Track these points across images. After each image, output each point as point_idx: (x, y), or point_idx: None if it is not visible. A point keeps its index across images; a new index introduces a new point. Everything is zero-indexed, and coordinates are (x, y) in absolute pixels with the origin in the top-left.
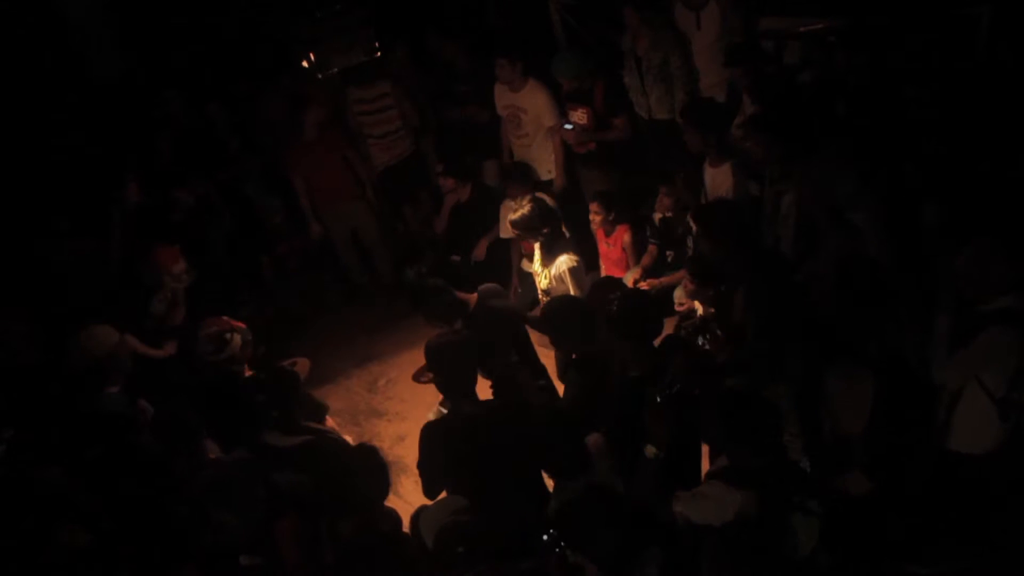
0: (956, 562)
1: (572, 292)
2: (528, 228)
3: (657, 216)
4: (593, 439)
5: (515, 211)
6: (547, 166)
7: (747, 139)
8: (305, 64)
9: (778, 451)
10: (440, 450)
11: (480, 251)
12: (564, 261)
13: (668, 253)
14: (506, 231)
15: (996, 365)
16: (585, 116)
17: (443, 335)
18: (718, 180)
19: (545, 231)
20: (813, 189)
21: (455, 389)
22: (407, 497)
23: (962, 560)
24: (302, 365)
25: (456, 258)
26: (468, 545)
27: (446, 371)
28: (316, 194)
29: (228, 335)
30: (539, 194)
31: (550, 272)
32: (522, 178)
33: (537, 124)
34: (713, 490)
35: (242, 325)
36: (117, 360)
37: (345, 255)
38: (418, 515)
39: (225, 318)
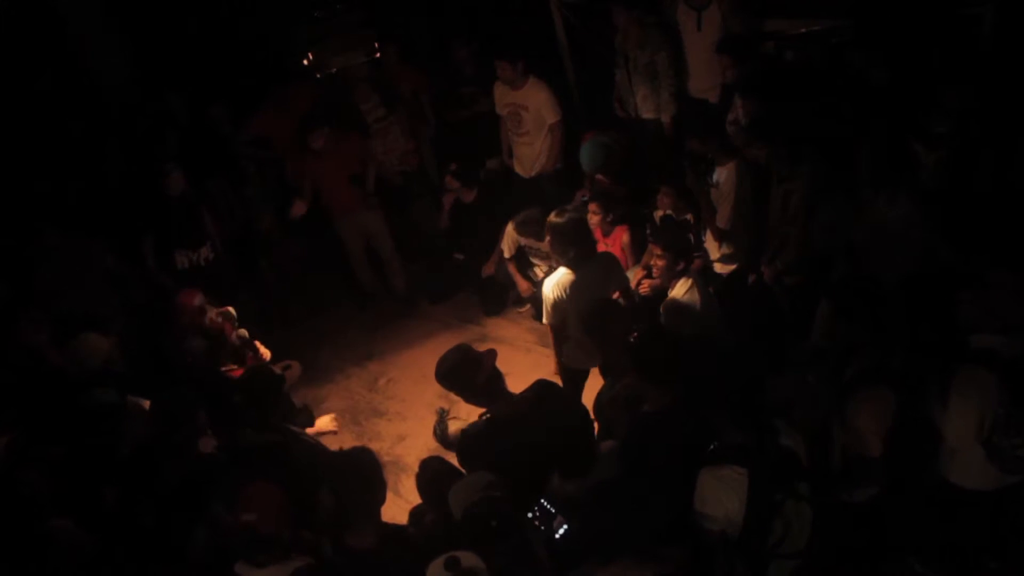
0: (956, 562)
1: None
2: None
3: (658, 215)
4: (607, 445)
5: (557, 215)
6: (551, 163)
7: (750, 141)
8: (305, 63)
9: (765, 431)
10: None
11: (489, 267)
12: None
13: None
14: (508, 250)
15: (973, 406)
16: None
17: (446, 357)
18: (724, 178)
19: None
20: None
21: (483, 397)
22: (407, 496)
23: (962, 560)
24: (294, 368)
25: (459, 256)
26: (502, 520)
27: (463, 387)
28: (328, 202)
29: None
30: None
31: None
32: (536, 228)
33: (539, 121)
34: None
35: (229, 310)
36: (110, 366)
37: (358, 267)
38: (420, 510)
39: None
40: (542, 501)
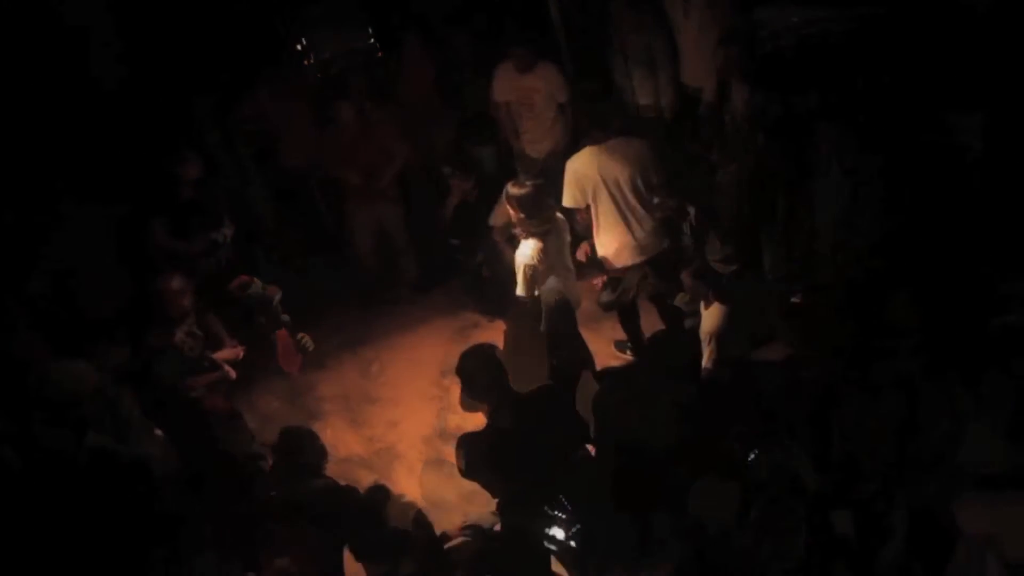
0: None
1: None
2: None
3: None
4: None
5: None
6: (562, 143)
7: (750, 136)
8: (299, 49)
9: (764, 447)
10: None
11: (488, 270)
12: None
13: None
14: (496, 219)
15: (1009, 388)
16: None
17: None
18: (726, 180)
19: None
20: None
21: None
22: (402, 486)
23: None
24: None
25: (456, 242)
26: None
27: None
28: (344, 189)
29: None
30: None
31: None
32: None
33: (550, 102)
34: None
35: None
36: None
37: (364, 256)
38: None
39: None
40: (554, 501)
